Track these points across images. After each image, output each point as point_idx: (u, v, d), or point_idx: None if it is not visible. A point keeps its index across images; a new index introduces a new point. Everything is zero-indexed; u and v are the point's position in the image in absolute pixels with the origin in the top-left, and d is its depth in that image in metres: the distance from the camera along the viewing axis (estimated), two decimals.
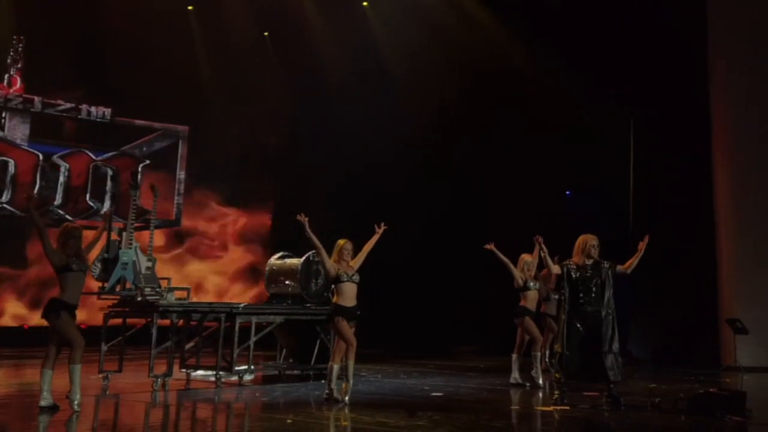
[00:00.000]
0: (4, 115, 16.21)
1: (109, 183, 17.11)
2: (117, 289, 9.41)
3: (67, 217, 16.16)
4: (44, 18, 15.91)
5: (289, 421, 7.18)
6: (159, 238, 16.42)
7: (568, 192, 15.87)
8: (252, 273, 18.49)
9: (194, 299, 10.06)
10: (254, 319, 10.01)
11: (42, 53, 16.08)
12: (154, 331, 9.28)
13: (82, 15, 16.14)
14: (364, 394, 9.02)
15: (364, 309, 8.55)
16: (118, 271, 9.25)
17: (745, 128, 13.66)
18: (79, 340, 7.42)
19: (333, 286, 8.59)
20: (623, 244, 11.83)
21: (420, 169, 16.25)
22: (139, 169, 17.07)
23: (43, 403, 7.39)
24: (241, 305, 10.25)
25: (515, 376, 10.11)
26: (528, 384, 9.97)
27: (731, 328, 11.73)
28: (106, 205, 16.92)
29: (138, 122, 17.75)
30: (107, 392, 8.94)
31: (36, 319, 14.87)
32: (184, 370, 10.03)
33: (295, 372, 10.95)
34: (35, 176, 16.37)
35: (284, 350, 11.46)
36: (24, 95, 16.36)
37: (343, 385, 8.26)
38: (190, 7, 17.42)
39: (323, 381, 9.64)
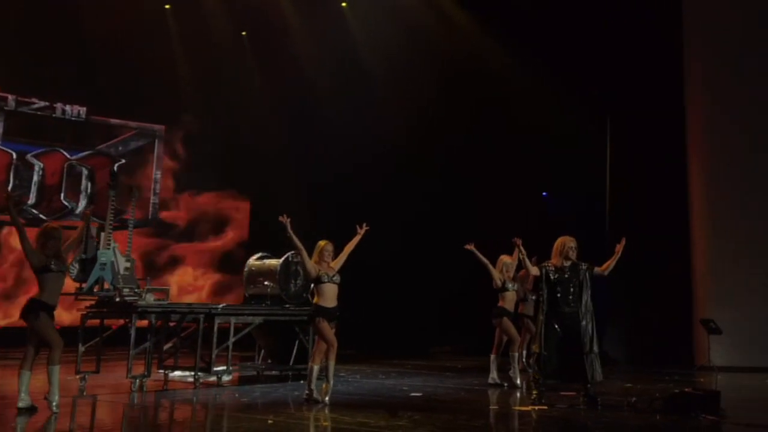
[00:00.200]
0: None
1: (87, 182, 16.95)
2: (95, 290, 9.34)
3: (41, 216, 16.00)
4: (18, 15, 15.71)
5: (270, 421, 7.19)
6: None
7: (544, 193, 15.99)
8: (229, 274, 18.40)
9: (158, 297, 9.99)
10: (233, 320, 10.00)
11: (16, 51, 15.88)
12: (132, 332, 9.23)
13: (56, 12, 15.98)
14: (344, 394, 9.04)
15: (342, 309, 8.58)
16: (96, 271, 9.19)
17: (719, 131, 13.86)
18: (58, 341, 7.38)
19: (313, 287, 8.61)
20: (600, 245, 11.99)
21: (398, 170, 16.28)
22: (115, 168, 16.93)
23: (20, 404, 7.34)
24: (220, 306, 10.24)
25: (493, 376, 10.19)
26: (506, 384, 10.04)
27: (705, 329, 11.88)
28: (81, 204, 16.78)
29: (113, 121, 17.60)
30: (84, 393, 8.87)
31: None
32: (162, 370, 9.99)
33: (274, 373, 10.95)
34: (9, 175, 16.17)
35: (263, 351, 11.45)
36: None
37: (323, 386, 8.28)
38: (167, 6, 17.29)
39: (302, 381, 9.68)
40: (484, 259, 10.11)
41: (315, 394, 8.26)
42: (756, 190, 13.48)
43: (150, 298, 9.53)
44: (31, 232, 7.73)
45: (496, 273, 10.14)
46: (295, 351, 10.86)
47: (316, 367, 8.34)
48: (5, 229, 15.57)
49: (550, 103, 14.41)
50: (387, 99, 16.32)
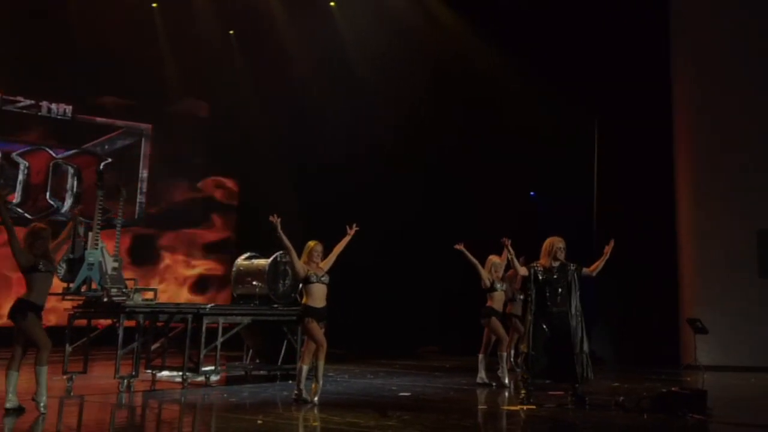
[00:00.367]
0: None
1: (73, 181, 16.85)
2: (82, 290, 9.29)
3: (27, 215, 15.90)
4: (3, 13, 15.61)
5: (259, 421, 7.17)
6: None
7: (532, 193, 16.05)
8: (216, 275, 18.37)
9: (146, 297, 9.95)
10: (221, 320, 9.97)
11: (1, 49, 15.77)
12: (120, 332, 9.18)
13: (42, 10, 15.88)
14: (333, 394, 9.04)
15: (331, 309, 8.57)
16: (83, 271, 9.15)
17: (706, 134, 13.99)
18: (46, 342, 7.34)
19: (302, 287, 8.60)
20: (587, 245, 12.05)
21: (387, 170, 16.29)
22: (101, 167, 16.84)
23: (8, 405, 7.29)
24: (209, 306, 10.21)
25: (482, 375, 10.22)
26: (494, 383, 10.08)
27: (692, 328, 11.92)
28: (67, 203, 16.68)
29: (100, 120, 17.52)
30: (71, 393, 8.82)
31: None
32: (149, 371, 9.95)
33: (262, 372, 10.92)
34: None
35: (251, 351, 11.42)
36: None
37: (313, 386, 8.27)
38: (154, 5, 17.23)
39: (290, 381, 9.68)
40: (474, 260, 10.13)
41: (304, 394, 8.26)
42: (741, 191, 13.60)
43: (138, 298, 9.49)
44: (20, 232, 7.68)
45: (484, 273, 10.16)
46: (283, 351, 10.83)
47: (305, 368, 8.34)
48: None
49: (538, 103, 14.45)
50: (376, 98, 16.33)
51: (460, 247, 10.07)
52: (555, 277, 8.55)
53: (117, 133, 17.74)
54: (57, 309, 10.48)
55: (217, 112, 18.09)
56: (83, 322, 9.76)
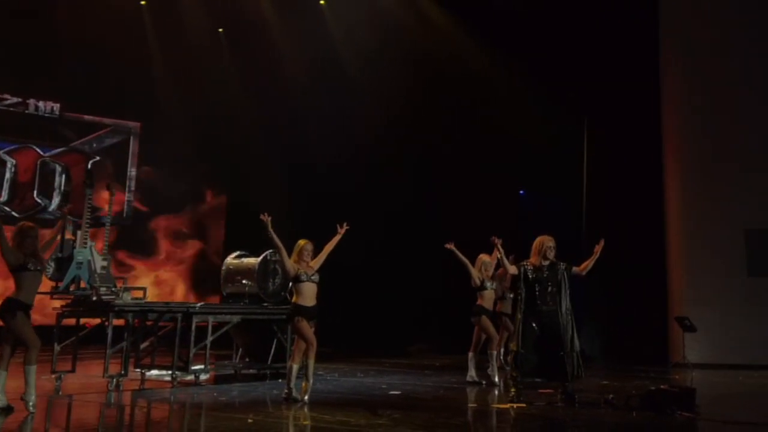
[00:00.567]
0: None
1: (60, 179, 16.76)
2: (71, 289, 9.24)
3: (14, 213, 15.81)
4: None
5: (249, 420, 7.16)
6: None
7: (521, 191, 16.09)
8: (204, 273, 18.30)
9: (135, 296, 9.91)
10: (211, 319, 9.94)
11: None
12: (109, 331, 9.14)
13: (29, 7, 15.77)
14: (323, 393, 9.03)
15: (321, 308, 8.55)
16: (72, 270, 9.10)
17: (694, 135, 14.08)
18: (35, 341, 7.30)
19: (292, 286, 8.59)
20: (576, 244, 12.09)
21: (375, 168, 16.30)
22: (89, 165, 16.75)
23: None
24: (198, 305, 10.18)
25: (472, 374, 10.24)
26: (484, 382, 10.10)
27: (680, 326, 12.03)
28: (55, 201, 16.59)
29: (87, 118, 17.43)
30: (60, 392, 8.78)
31: None
32: (138, 369, 9.91)
33: (252, 371, 10.89)
34: None
35: (240, 349, 11.39)
36: None
37: (303, 384, 8.26)
38: (142, 2, 17.15)
39: (280, 380, 9.66)
40: (464, 259, 10.14)
41: (294, 393, 8.25)
42: (729, 190, 13.70)
43: (127, 297, 9.45)
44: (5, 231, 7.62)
45: (474, 272, 10.18)
46: (273, 350, 10.81)
47: (295, 367, 8.33)
48: None
49: (527, 102, 14.49)
50: (365, 98, 16.32)
51: (450, 246, 10.08)
52: (545, 275, 8.57)
53: (105, 131, 17.66)
54: (45, 308, 10.40)
55: (206, 110, 17.99)
56: (72, 321, 9.71)
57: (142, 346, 10.10)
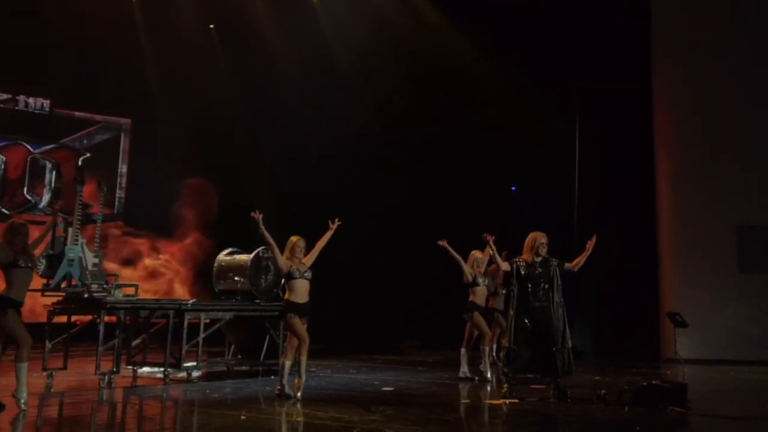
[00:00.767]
0: None
1: (51, 176, 16.68)
2: (62, 286, 9.20)
3: (4, 210, 15.74)
4: None
5: (242, 417, 7.15)
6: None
7: (513, 188, 16.11)
8: (197, 270, 18.23)
9: (127, 293, 9.88)
10: (203, 316, 9.92)
11: None
12: (101, 328, 9.11)
13: (20, 3, 15.68)
14: (316, 389, 9.02)
15: (313, 305, 8.54)
16: (63, 267, 9.06)
17: (685, 130, 14.12)
18: (26, 338, 7.28)
19: (285, 282, 8.57)
20: (567, 240, 12.11)
21: (368, 164, 16.28)
22: (80, 162, 16.69)
23: None
24: (190, 302, 10.14)
25: (464, 370, 10.25)
26: (477, 378, 10.11)
27: (672, 322, 12.08)
28: (45, 198, 16.52)
29: (78, 114, 17.35)
30: (52, 390, 8.75)
31: None
32: (130, 367, 9.88)
33: (244, 368, 10.87)
34: None
35: (233, 346, 11.38)
36: None
37: (296, 381, 8.26)
38: None
39: (273, 377, 9.65)
40: (457, 255, 10.16)
41: (287, 390, 8.25)
42: (720, 187, 13.75)
43: (119, 294, 9.42)
44: None
45: (467, 268, 10.19)
46: (265, 346, 10.79)
47: (288, 363, 8.32)
48: None
49: (519, 98, 14.50)
50: (357, 93, 16.30)
51: (443, 243, 10.09)
52: (537, 272, 8.59)
53: (96, 127, 17.59)
54: (37, 305, 10.36)
55: (197, 106, 17.92)
56: (63, 318, 9.67)
57: (134, 343, 10.07)
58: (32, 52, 15.94)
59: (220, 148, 18.00)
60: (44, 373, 9.12)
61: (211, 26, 17.94)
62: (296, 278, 8.31)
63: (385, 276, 15.55)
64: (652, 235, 14.14)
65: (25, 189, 16.52)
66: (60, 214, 9.34)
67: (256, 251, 10.81)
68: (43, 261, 9.05)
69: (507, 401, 8.26)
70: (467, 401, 8.75)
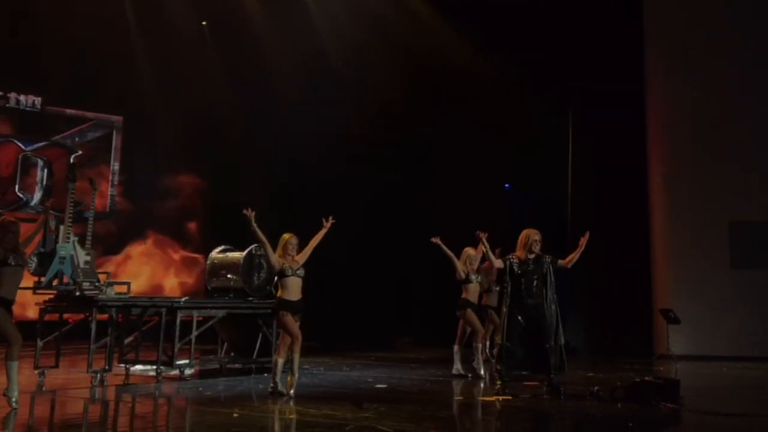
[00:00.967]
0: None
1: (42, 174, 16.61)
2: (54, 284, 9.16)
3: None
4: None
5: (235, 415, 7.12)
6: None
7: (506, 185, 16.12)
8: (188, 268, 18.21)
9: (119, 291, 9.84)
10: (196, 314, 9.89)
11: None
12: (93, 326, 9.07)
13: (10, 0, 15.60)
14: (309, 387, 9.01)
15: (306, 302, 8.52)
16: (55, 265, 9.00)
17: (678, 127, 14.17)
18: (17, 336, 7.24)
19: (277, 280, 8.55)
20: (561, 237, 12.12)
21: (361, 162, 16.26)
22: (72, 160, 16.62)
23: None
24: (183, 299, 10.11)
25: (457, 367, 10.25)
26: (470, 375, 10.12)
27: (664, 318, 12.11)
28: (37, 196, 16.46)
29: (70, 112, 17.28)
30: (43, 388, 8.71)
31: None
32: (123, 365, 9.84)
33: (237, 366, 10.85)
34: None
35: (225, 344, 11.35)
36: None
37: (288, 379, 8.24)
38: None
39: (266, 374, 9.62)
40: (450, 253, 10.15)
41: (280, 387, 8.23)
42: (712, 183, 13.81)
43: (111, 292, 9.38)
44: None
45: (460, 265, 10.19)
46: (258, 344, 10.77)
47: (281, 361, 8.31)
48: None
49: (512, 96, 14.50)
50: (350, 91, 16.28)
51: (436, 240, 10.08)
52: (530, 269, 8.59)
53: (87, 125, 17.54)
54: (28, 303, 10.31)
55: (190, 104, 17.87)
56: (55, 316, 9.63)
57: (127, 341, 10.02)
58: (24, 50, 15.88)
59: (213, 145, 17.97)
60: (36, 372, 9.08)
61: (203, 23, 17.89)
62: (288, 276, 8.29)
63: (379, 273, 15.56)
64: (645, 233, 14.18)
65: (17, 186, 16.46)
66: (51, 211, 9.29)
67: (248, 249, 10.78)
68: (35, 259, 8.99)
69: (500, 398, 8.25)
70: (460, 398, 8.75)
